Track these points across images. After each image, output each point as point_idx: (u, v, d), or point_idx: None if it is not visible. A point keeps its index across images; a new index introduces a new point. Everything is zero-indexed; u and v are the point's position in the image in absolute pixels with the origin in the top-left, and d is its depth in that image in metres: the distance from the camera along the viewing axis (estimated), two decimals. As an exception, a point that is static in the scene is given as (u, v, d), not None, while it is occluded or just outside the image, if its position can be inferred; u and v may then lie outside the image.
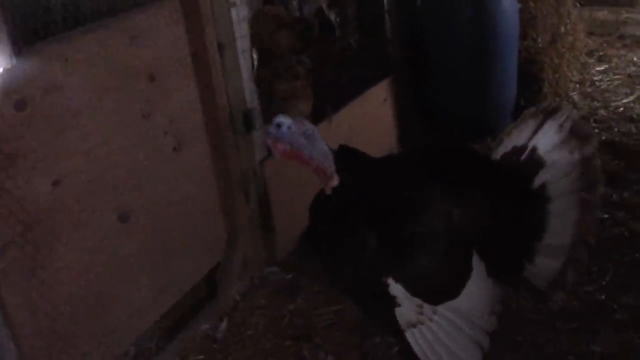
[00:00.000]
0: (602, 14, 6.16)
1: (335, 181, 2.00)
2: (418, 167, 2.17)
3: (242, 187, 2.77)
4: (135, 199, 2.33)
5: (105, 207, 2.22)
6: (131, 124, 2.30)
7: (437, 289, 2.05)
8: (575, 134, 2.02)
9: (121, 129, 2.26)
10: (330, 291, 2.78)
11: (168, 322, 2.65)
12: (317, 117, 3.23)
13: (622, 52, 5.20)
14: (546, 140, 2.06)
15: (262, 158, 2.90)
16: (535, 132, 2.09)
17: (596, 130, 3.97)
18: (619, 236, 2.98)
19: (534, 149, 2.07)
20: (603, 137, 3.88)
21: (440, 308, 2.05)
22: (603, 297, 2.62)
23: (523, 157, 2.09)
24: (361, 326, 2.58)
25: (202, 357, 2.55)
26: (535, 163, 2.05)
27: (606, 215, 3.10)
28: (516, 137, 2.16)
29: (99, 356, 2.25)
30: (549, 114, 2.08)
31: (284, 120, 1.98)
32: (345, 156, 2.05)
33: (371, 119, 3.59)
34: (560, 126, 2.04)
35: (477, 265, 2.05)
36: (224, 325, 2.70)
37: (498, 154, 2.22)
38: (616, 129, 3.97)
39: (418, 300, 2.01)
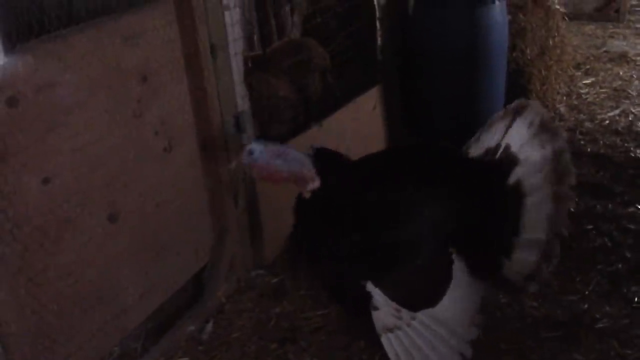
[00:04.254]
0: (590, 28, 6.26)
1: (317, 183, 2.05)
2: (398, 167, 2.19)
3: (231, 189, 2.78)
4: (124, 199, 2.33)
5: (94, 206, 2.22)
6: (122, 124, 2.30)
7: (416, 296, 2.06)
8: (545, 129, 2.05)
9: (112, 128, 2.26)
10: (317, 295, 2.80)
11: (154, 322, 2.64)
12: (307, 122, 3.26)
13: (609, 66, 5.28)
14: (518, 137, 2.09)
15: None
16: (506, 131, 2.13)
17: (582, 142, 4.03)
18: (602, 247, 3.02)
19: (507, 147, 2.10)
20: (588, 149, 3.94)
21: (419, 314, 2.05)
22: (586, 306, 2.65)
23: (498, 155, 2.12)
24: (346, 330, 2.59)
25: (187, 358, 2.55)
26: (510, 160, 2.08)
27: (590, 226, 3.15)
28: (487, 140, 2.19)
29: (84, 355, 2.24)
30: (517, 112, 2.12)
31: (256, 146, 2.05)
32: (324, 158, 2.11)
33: (361, 126, 3.60)
34: (531, 122, 2.07)
35: (458, 272, 2.07)
36: (209, 326, 2.69)
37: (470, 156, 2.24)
38: (601, 142, 4.03)
39: (396, 305, 2.02)
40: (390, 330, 2.08)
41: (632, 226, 3.15)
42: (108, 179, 2.26)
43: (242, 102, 2.83)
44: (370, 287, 2.01)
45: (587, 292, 2.73)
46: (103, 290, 2.29)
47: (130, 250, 2.38)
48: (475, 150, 2.22)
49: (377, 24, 3.86)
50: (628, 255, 2.94)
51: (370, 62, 3.87)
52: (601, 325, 2.55)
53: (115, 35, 2.24)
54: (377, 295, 2.02)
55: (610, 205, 3.33)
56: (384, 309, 2.04)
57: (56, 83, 2.05)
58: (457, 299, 2.08)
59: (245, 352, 2.56)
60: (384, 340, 2.10)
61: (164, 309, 2.64)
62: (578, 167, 3.67)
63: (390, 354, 2.11)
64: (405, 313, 2.04)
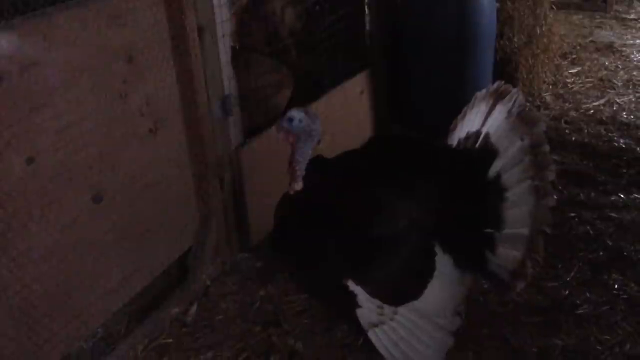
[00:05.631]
0: (577, 18, 6.29)
1: (298, 186, 2.05)
2: (376, 162, 2.16)
3: (216, 172, 2.77)
4: (109, 180, 2.32)
5: (79, 187, 2.21)
6: (108, 104, 2.28)
7: (397, 291, 2.04)
8: (524, 120, 2.01)
9: (97, 108, 2.24)
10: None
11: (138, 304, 2.63)
12: (294, 106, 3.24)
13: (595, 56, 5.32)
14: (497, 125, 2.05)
15: (238, 144, 2.90)
16: (487, 116, 2.10)
17: (566, 131, 4.06)
18: (584, 235, 3.05)
19: (487, 136, 2.07)
20: (573, 138, 3.97)
21: (401, 309, 2.04)
22: (566, 292, 2.69)
23: (478, 144, 2.09)
24: (329, 314, 2.60)
25: (171, 340, 2.55)
26: (490, 150, 2.04)
27: (573, 214, 3.18)
28: (470, 122, 2.16)
29: (67, 336, 2.24)
30: (499, 96, 2.09)
31: (296, 114, 2.06)
32: (316, 165, 2.10)
33: (348, 111, 3.61)
34: (509, 112, 2.03)
35: (441, 262, 2.05)
36: (194, 309, 2.70)
37: (454, 139, 2.21)
38: (586, 131, 4.07)
39: (378, 302, 2.02)
40: (376, 325, 2.08)
41: (614, 214, 3.19)
42: (93, 160, 2.25)
43: (229, 85, 2.82)
44: (352, 286, 2.00)
45: (568, 279, 2.77)
46: (87, 271, 2.28)
47: (114, 232, 2.37)
48: (459, 132, 2.20)
49: (366, 9, 3.86)
50: (609, 243, 2.98)
51: (358, 47, 3.87)
52: (581, 311, 2.59)
53: (101, 14, 2.21)
54: (360, 294, 2.01)
55: (593, 194, 3.37)
56: (366, 306, 2.04)
57: (41, 62, 2.03)
58: (440, 291, 2.07)
59: (229, 335, 2.57)
60: (371, 335, 2.08)
61: (148, 291, 2.64)
62: (562, 156, 3.73)
63: (380, 348, 2.10)
64: (387, 309, 2.03)
